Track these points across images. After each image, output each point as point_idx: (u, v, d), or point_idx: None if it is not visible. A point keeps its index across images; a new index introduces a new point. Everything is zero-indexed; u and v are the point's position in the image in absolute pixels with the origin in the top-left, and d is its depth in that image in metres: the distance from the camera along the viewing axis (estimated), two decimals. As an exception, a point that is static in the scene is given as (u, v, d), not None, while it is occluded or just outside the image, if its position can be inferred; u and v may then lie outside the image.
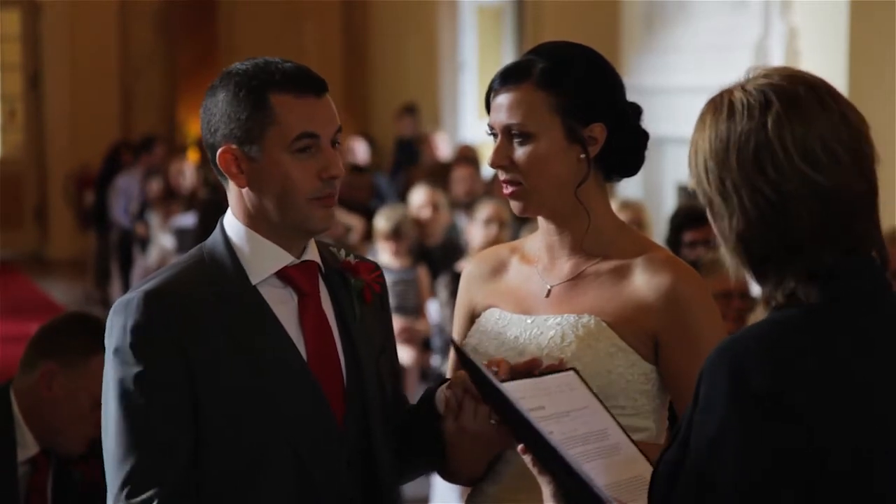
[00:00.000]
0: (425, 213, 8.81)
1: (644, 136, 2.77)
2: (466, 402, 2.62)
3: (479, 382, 2.42)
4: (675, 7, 10.05)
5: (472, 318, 2.85)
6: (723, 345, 2.02)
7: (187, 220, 10.53)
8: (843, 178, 2.02)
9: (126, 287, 11.99)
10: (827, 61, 7.48)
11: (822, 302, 2.02)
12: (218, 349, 2.53)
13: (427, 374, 7.83)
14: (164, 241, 11.29)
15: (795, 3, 8.13)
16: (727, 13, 9.24)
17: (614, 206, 3.39)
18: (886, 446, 1.97)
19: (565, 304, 2.73)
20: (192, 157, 13.81)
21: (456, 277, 6.86)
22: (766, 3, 8.45)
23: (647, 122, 2.79)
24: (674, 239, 6.30)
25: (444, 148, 13.27)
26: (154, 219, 11.88)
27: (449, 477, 2.81)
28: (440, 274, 7.81)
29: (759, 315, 2.38)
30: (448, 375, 2.82)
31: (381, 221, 7.95)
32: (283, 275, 2.63)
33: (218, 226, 2.67)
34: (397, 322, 7.08)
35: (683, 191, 9.11)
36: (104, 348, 2.56)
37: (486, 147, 3.03)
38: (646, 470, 2.28)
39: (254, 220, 2.62)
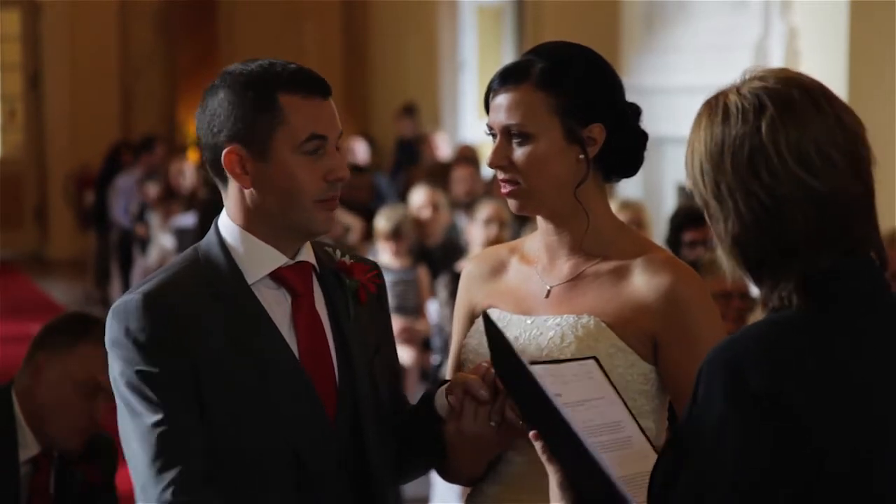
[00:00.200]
0: (425, 214, 8.81)
1: (643, 137, 2.77)
2: (466, 404, 2.61)
3: (501, 361, 2.39)
4: (675, 7, 10.05)
5: (472, 318, 2.85)
6: (721, 345, 2.02)
7: (187, 220, 10.52)
8: (839, 182, 2.02)
9: (126, 287, 11.98)
10: (827, 61, 7.48)
11: (820, 303, 2.02)
12: (218, 349, 2.53)
13: (427, 374, 7.83)
14: (164, 241, 11.29)
15: (795, 3, 8.12)
16: (727, 13, 9.24)
17: (614, 206, 3.39)
18: (884, 447, 1.97)
19: (565, 304, 2.73)
20: (192, 157, 13.80)
21: (456, 277, 6.84)
22: (766, 3, 8.45)
23: (647, 122, 2.79)
24: (673, 239, 6.31)
25: (444, 148, 13.27)
26: (154, 219, 11.88)
27: (449, 477, 2.81)
28: (440, 274, 7.80)
29: (758, 315, 2.38)
30: (448, 377, 2.82)
31: (382, 221, 7.94)
32: (277, 275, 2.62)
33: (212, 227, 2.66)
34: (397, 322, 7.08)
35: (683, 191, 9.10)
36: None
37: (486, 147, 3.03)
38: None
39: (252, 222, 2.61)
